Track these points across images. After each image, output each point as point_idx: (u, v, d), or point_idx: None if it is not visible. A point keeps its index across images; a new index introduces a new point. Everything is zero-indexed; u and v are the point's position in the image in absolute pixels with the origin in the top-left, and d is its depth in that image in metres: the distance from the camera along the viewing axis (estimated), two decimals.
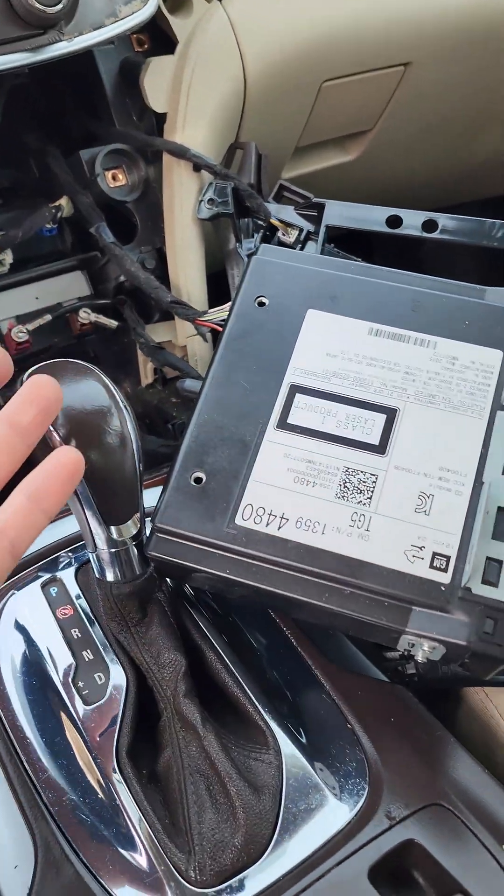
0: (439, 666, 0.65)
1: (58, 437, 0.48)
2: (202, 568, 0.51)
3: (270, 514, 0.51)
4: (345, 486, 0.51)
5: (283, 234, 0.76)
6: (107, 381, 0.52)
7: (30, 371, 0.51)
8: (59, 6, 0.57)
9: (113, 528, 0.51)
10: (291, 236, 0.76)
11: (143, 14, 0.66)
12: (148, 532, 0.53)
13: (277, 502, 0.51)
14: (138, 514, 0.52)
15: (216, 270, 0.79)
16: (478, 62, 0.95)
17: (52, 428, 0.48)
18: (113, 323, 0.77)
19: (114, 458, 0.49)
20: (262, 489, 0.51)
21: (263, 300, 0.59)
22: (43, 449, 0.49)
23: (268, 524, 0.50)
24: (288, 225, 0.76)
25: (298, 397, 0.54)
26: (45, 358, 0.82)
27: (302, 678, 0.56)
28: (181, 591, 0.59)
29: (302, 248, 0.75)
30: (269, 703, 0.53)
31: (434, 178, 1.15)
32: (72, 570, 0.60)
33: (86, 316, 0.76)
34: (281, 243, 0.77)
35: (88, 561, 0.59)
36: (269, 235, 0.78)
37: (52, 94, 0.80)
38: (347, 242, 0.77)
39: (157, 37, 0.78)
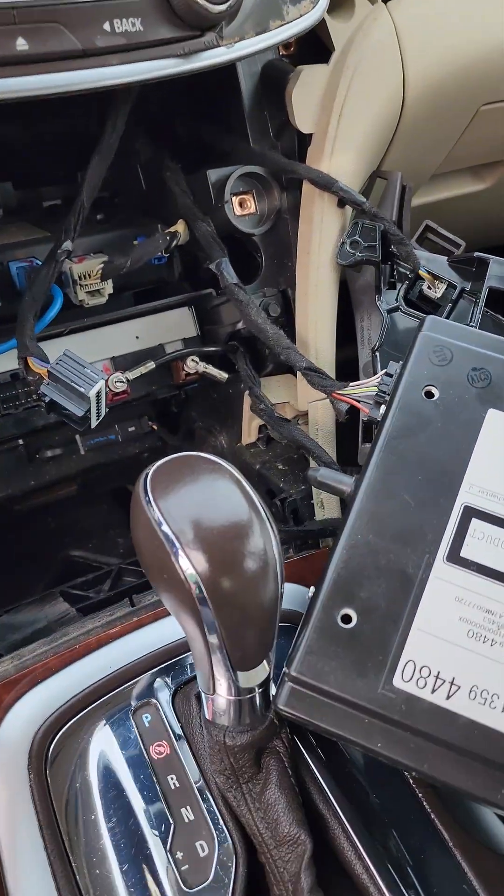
0: None
1: (187, 562, 0.41)
2: (346, 735, 0.44)
3: (438, 678, 0.43)
4: None
5: (429, 288, 0.67)
6: (246, 485, 0.46)
7: (158, 467, 0.44)
8: (226, 5, 0.48)
9: (241, 675, 0.44)
10: (438, 291, 0.68)
11: (313, 17, 0.57)
12: (278, 677, 0.45)
13: (447, 662, 0.43)
14: (272, 654, 0.45)
15: None
16: None
17: (179, 548, 0.41)
18: (224, 376, 0.69)
19: (253, 587, 0.43)
20: (428, 642, 0.44)
21: (433, 391, 0.50)
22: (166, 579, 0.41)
23: (434, 690, 0.43)
24: (436, 277, 0.67)
25: (475, 524, 0.46)
26: (139, 406, 0.75)
27: (439, 859, 0.49)
28: (297, 728, 0.51)
29: (453, 309, 0.66)
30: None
31: None
32: (167, 692, 0.52)
33: (193, 365, 0.67)
34: (423, 297, 0.68)
35: (190, 681, 0.52)
36: (410, 287, 0.68)
37: (175, 94, 0.71)
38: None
39: (305, 40, 0.68)
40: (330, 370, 0.65)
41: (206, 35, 0.51)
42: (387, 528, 0.46)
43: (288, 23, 0.56)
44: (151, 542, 0.41)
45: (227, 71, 0.66)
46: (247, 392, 0.68)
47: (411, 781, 0.51)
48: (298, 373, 0.63)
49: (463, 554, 0.45)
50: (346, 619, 0.44)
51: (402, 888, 0.46)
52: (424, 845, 0.49)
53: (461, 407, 0.49)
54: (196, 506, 0.42)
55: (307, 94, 0.66)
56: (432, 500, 0.47)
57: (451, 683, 0.43)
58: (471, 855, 0.48)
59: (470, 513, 0.46)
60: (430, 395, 0.50)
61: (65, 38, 0.46)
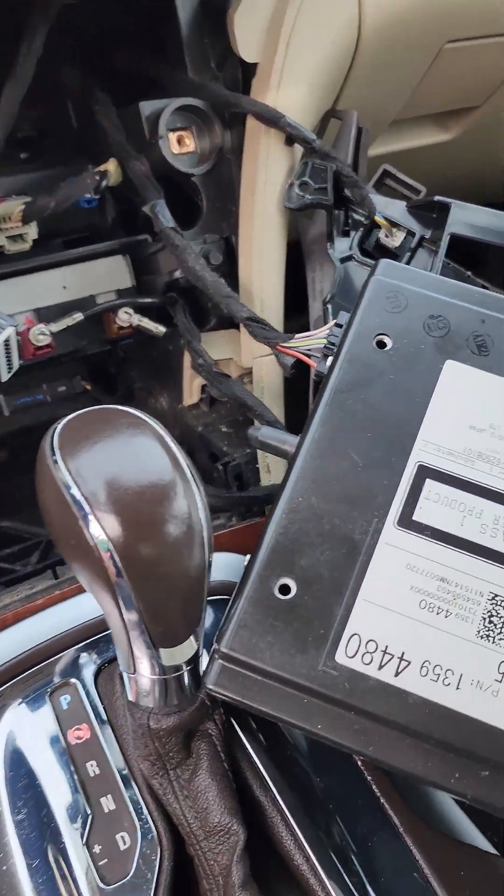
0: None
1: (98, 528, 0.37)
2: (283, 717, 0.40)
3: (385, 653, 0.40)
4: (491, 622, 0.40)
5: (387, 236, 0.63)
6: (170, 442, 0.42)
7: (66, 423, 0.39)
8: None
9: (164, 652, 0.40)
10: (396, 240, 0.63)
11: None
12: (207, 654, 0.42)
13: (396, 635, 0.40)
14: (200, 629, 0.41)
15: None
16: None
17: (89, 513, 0.37)
18: (161, 330, 0.64)
19: (176, 556, 0.39)
20: (376, 613, 0.40)
21: (385, 340, 0.47)
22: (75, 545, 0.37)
23: (381, 666, 0.40)
24: (394, 224, 0.63)
25: (430, 485, 0.43)
26: (69, 364, 0.70)
27: (388, 846, 0.46)
28: (234, 710, 0.47)
29: (412, 258, 0.62)
30: (347, 891, 0.42)
31: None
32: (91, 670, 0.48)
33: (127, 318, 0.63)
34: (381, 247, 0.64)
35: (113, 660, 0.48)
36: (366, 235, 0.64)
37: (106, 20, 0.65)
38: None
39: None
40: (277, 324, 0.61)
41: None
42: (331, 491, 0.42)
43: None
44: (58, 507, 0.37)
45: None
46: (186, 348, 0.63)
47: (360, 765, 0.48)
48: (242, 326, 0.59)
49: (416, 517, 0.42)
50: (285, 589, 0.41)
51: (346, 877, 0.43)
52: (372, 832, 0.46)
53: (416, 358, 0.45)
54: (110, 465, 0.38)
55: (252, 18, 0.61)
56: (383, 459, 0.43)
57: (401, 659, 0.39)
58: (423, 841, 0.45)
59: (424, 472, 0.43)
60: (382, 344, 0.46)
61: None
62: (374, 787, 0.47)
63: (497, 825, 0.55)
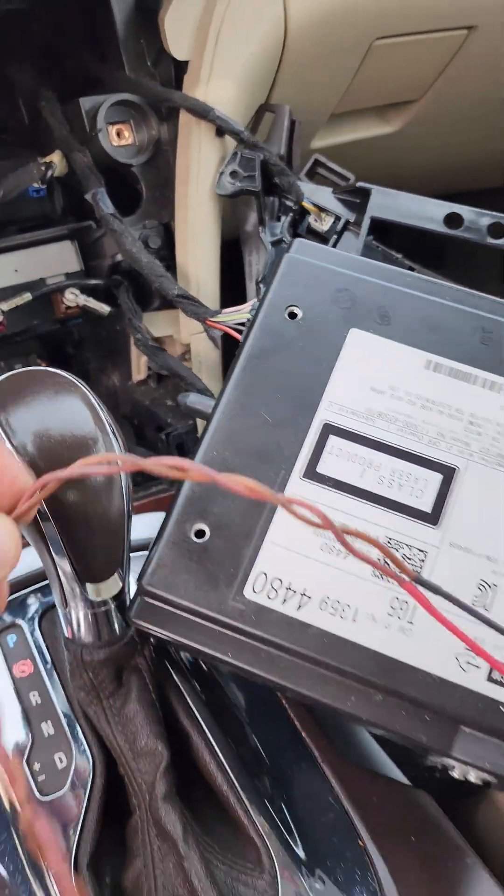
0: None
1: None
2: (196, 646, 0.43)
3: (289, 589, 0.43)
4: (385, 563, 0.42)
5: (316, 221, 0.67)
6: (93, 400, 0.45)
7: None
8: None
9: (90, 587, 0.44)
10: (325, 224, 0.67)
11: None
12: (132, 591, 0.45)
13: (299, 574, 0.43)
14: (122, 568, 0.45)
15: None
16: None
17: (16, 454, 0.40)
18: (105, 309, 0.67)
19: (96, 500, 0.43)
20: (281, 555, 0.43)
21: (296, 311, 0.50)
22: None
23: (285, 601, 0.43)
24: (322, 210, 0.66)
25: (332, 440, 0.46)
26: (20, 343, 0.73)
27: (308, 777, 0.50)
28: (166, 651, 0.51)
29: (338, 240, 0.66)
30: (265, 811, 0.46)
31: (483, 160, 1.05)
32: (36, 612, 0.52)
33: (73, 298, 0.66)
34: (311, 231, 0.68)
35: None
36: (298, 220, 0.68)
37: (53, 25, 0.68)
38: (379, 231, 0.67)
39: None
40: (213, 303, 0.65)
41: None
42: (243, 446, 0.45)
43: None
44: None
45: None
46: (128, 326, 0.67)
47: (284, 703, 0.52)
48: (183, 312, 0.62)
49: (319, 469, 0.45)
50: (200, 533, 0.44)
51: (262, 796, 0.47)
52: (292, 762, 0.50)
53: (324, 327, 0.48)
54: (38, 420, 0.41)
55: (181, 19, 0.64)
56: (291, 417, 0.46)
57: (303, 595, 0.42)
58: (340, 772, 0.49)
59: (328, 430, 0.46)
60: (293, 315, 0.49)
61: None
62: (296, 722, 0.51)
63: (415, 760, 0.59)
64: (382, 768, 0.51)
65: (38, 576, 0.53)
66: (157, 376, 0.72)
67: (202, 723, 0.48)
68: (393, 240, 0.69)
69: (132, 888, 0.44)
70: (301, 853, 0.45)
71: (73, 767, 0.46)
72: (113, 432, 0.43)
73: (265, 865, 0.44)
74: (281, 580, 0.43)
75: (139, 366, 0.71)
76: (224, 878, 0.44)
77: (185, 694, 0.49)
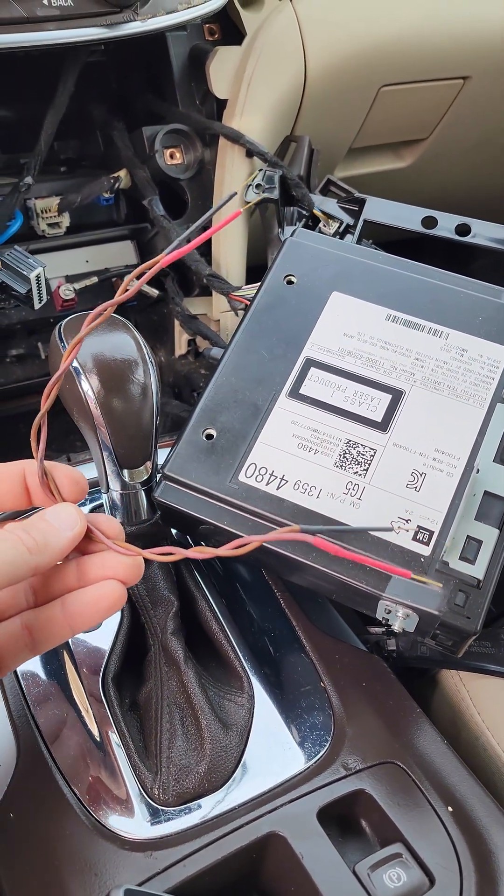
0: (418, 646, 0.68)
1: (87, 384, 0.50)
2: (201, 517, 0.52)
3: (272, 475, 0.52)
4: (344, 457, 0.52)
5: (325, 225, 0.79)
6: (137, 336, 0.54)
7: (68, 319, 0.54)
8: None
9: (126, 472, 0.53)
10: (332, 228, 0.79)
11: (214, 4, 0.69)
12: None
13: (280, 464, 0.52)
14: (150, 462, 0.54)
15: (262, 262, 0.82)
16: None
17: (80, 370, 0.50)
18: (154, 292, 0.80)
19: (134, 405, 0.52)
20: (268, 451, 0.53)
21: (292, 279, 0.61)
22: (70, 394, 0.52)
23: (268, 483, 0.52)
24: (329, 216, 0.78)
25: (312, 370, 0.56)
26: None
27: (285, 637, 0.58)
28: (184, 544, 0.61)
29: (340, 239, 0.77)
30: (249, 654, 0.55)
31: (488, 190, 1.15)
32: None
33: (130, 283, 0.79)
34: (320, 233, 0.79)
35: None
36: (312, 226, 0.80)
37: (125, 73, 0.83)
38: (397, 248, 0.79)
39: (228, 28, 0.81)
40: (238, 284, 0.77)
41: (124, 12, 0.63)
42: (246, 373, 0.56)
43: (193, 7, 0.68)
44: (66, 376, 0.49)
45: (161, 51, 0.78)
46: (171, 304, 0.80)
47: (271, 584, 0.61)
48: (213, 289, 0.75)
49: (301, 391, 0.55)
50: (209, 436, 0.53)
51: (249, 646, 0.56)
52: (277, 630, 0.59)
53: (312, 290, 0.59)
54: (96, 346, 0.51)
55: (222, 68, 0.77)
56: (283, 354, 0.56)
57: (282, 479, 0.52)
58: (312, 637, 0.57)
59: (310, 363, 0.56)
60: (290, 282, 0.61)
61: (13, 9, 0.58)
62: (280, 601, 0.60)
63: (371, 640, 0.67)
64: (346, 637, 0.59)
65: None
66: (195, 352, 0.85)
67: (206, 590, 0.57)
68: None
69: (144, 701, 0.53)
70: (275, 686, 0.54)
71: None
72: (151, 364, 0.52)
73: (246, 689, 0.53)
74: (266, 468, 0.52)
75: (180, 343, 0.84)
76: (213, 695, 0.52)
77: (194, 570, 0.59)
